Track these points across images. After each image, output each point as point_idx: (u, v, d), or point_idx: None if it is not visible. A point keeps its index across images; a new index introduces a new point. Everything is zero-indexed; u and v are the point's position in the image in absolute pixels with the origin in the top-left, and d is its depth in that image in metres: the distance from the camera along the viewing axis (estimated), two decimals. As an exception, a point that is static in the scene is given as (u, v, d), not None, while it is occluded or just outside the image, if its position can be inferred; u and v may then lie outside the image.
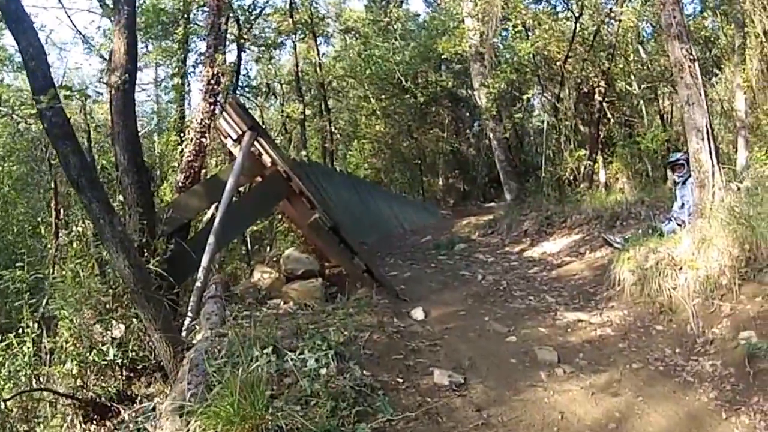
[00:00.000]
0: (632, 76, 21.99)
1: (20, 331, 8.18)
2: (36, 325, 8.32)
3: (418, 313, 9.47)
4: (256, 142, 10.63)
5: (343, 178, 22.73)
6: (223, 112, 11.72)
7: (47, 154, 15.98)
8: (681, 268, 8.45)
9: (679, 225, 10.52)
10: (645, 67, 22.02)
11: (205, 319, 7.93)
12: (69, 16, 31.18)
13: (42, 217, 16.06)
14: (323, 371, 5.78)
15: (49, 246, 13.42)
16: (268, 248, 14.94)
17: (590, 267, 11.98)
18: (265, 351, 5.85)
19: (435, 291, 11.18)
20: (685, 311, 7.96)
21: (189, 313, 8.74)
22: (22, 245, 14.31)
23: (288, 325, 7.60)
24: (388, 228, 21.34)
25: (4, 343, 8.11)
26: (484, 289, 10.98)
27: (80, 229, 11.54)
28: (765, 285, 7.45)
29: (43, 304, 8.67)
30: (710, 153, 9.13)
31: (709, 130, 9.25)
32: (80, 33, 24.93)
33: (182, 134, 19.17)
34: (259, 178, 12.05)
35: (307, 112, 28.84)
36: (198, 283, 9.02)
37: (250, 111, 25.52)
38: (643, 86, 22.00)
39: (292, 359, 5.92)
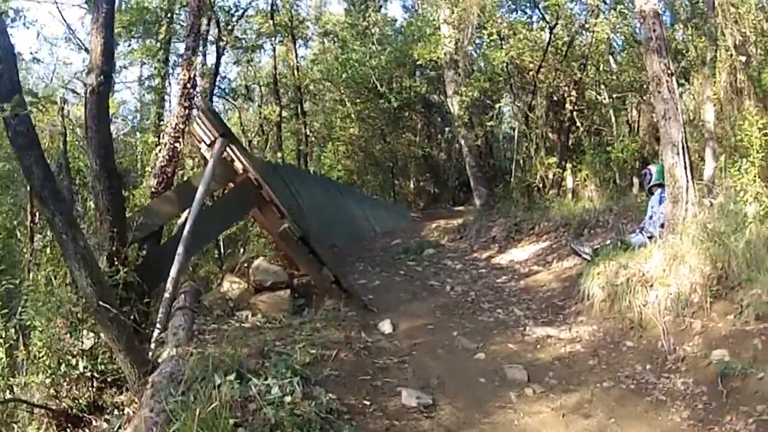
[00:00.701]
0: (602, 86, 21.73)
1: (-4, 338, 7.83)
2: (12, 332, 8.17)
3: (386, 326, 9.18)
4: (228, 149, 10.31)
5: (316, 179, 22.53)
6: (197, 117, 11.40)
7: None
8: (652, 285, 8.18)
9: (648, 238, 10.14)
10: (615, 78, 21.76)
11: (172, 334, 7.66)
12: (60, 11, 30.67)
13: (20, 218, 15.58)
14: (288, 398, 5.44)
15: (25, 250, 12.96)
16: (242, 250, 14.47)
17: (558, 278, 11.66)
18: (228, 378, 5.47)
19: (404, 302, 10.86)
20: (655, 328, 7.70)
21: (158, 325, 8.36)
22: (3, 247, 13.90)
23: (255, 342, 7.34)
24: (360, 230, 21.01)
25: None
26: (452, 301, 10.69)
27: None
28: (737, 303, 7.20)
29: (18, 312, 8.32)
30: (685, 168, 8.95)
31: (685, 145, 9.08)
32: (69, 28, 24.51)
33: (159, 134, 18.86)
34: (231, 185, 11.72)
35: (284, 114, 28.55)
36: (166, 294, 8.66)
37: (227, 114, 25.33)
38: (613, 96, 21.78)
39: (256, 385, 5.56)
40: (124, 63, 24.51)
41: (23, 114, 6.44)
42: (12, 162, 16.16)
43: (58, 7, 25.69)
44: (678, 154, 8.95)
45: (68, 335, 7.87)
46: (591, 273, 9.22)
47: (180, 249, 8.98)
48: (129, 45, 22.64)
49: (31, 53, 22.32)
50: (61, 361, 7.65)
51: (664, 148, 9.21)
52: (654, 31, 9.33)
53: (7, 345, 8.05)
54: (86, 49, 22.31)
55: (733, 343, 6.75)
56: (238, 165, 10.88)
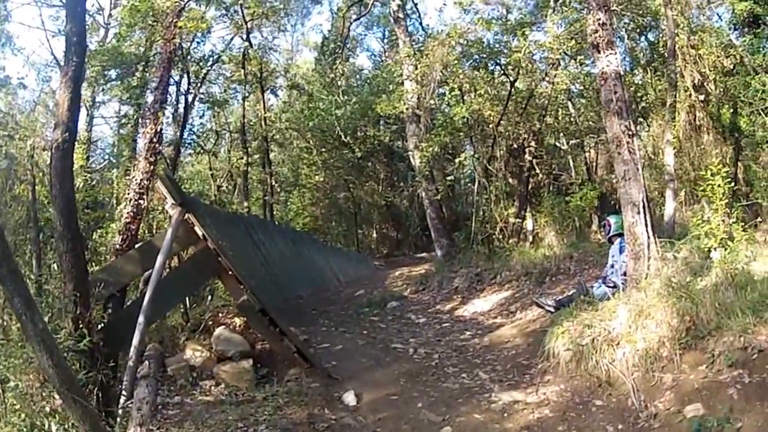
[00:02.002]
0: (561, 133, 21.87)
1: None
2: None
3: (350, 398, 8.76)
4: (189, 215, 9.89)
5: (280, 230, 22.39)
6: (158, 182, 11.03)
7: (4, 188, 15.03)
8: (618, 343, 7.83)
9: (611, 287, 10.05)
10: (573, 122, 22.01)
11: (136, 409, 7.38)
12: (48, 40, 30.34)
13: None
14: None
15: None
16: (209, 297, 13.96)
17: (522, 332, 11.28)
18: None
19: (367, 368, 10.40)
20: (624, 385, 7.34)
21: (123, 392, 7.96)
22: None
23: (218, 423, 7.23)
24: (324, 280, 20.67)
25: None
26: (416, 366, 10.24)
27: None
28: (708, 353, 6.89)
29: None
30: (645, 225, 8.81)
31: (645, 204, 8.93)
32: (56, 59, 24.10)
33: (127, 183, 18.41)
34: (192, 248, 11.30)
35: (251, 162, 28.24)
36: (130, 363, 8.25)
37: (198, 157, 24.86)
38: (571, 142, 21.81)
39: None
40: (103, 98, 24.14)
41: None
42: None
43: (46, 36, 25.36)
44: (639, 213, 8.83)
45: (40, 392, 7.38)
46: (555, 332, 8.85)
47: (141, 318, 8.59)
48: (106, 84, 22.19)
49: (18, 78, 21.94)
50: (31, 419, 7.19)
51: (624, 208, 9.05)
52: (615, 93, 9.23)
53: None
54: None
55: (707, 395, 6.43)
56: (198, 230, 10.46)
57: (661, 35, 19.32)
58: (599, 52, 9.39)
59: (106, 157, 27.62)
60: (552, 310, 10.74)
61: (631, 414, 6.92)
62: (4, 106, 21.60)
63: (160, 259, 9.13)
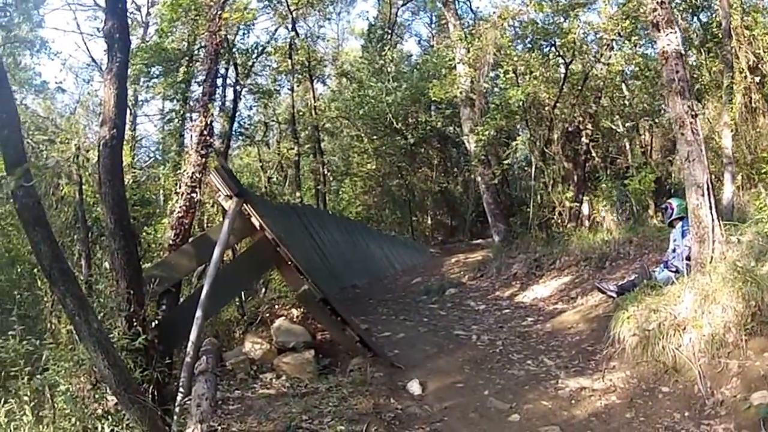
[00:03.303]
0: (617, 115, 21.46)
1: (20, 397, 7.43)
2: (34, 391, 7.56)
3: (414, 387, 8.80)
4: (244, 206, 9.96)
5: (334, 219, 22.30)
6: (212, 173, 11.09)
7: (49, 189, 15.25)
8: (684, 328, 7.78)
9: (674, 272, 9.81)
10: (628, 104, 21.71)
11: (195, 405, 7.33)
12: (85, 42, 30.60)
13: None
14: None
15: (45, 299, 12.51)
16: (263, 290, 14.11)
17: (585, 318, 11.23)
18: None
19: (430, 356, 10.40)
20: (691, 371, 7.32)
21: (181, 389, 7.94)
22: (25, 285, 13.52)
23: (281, 416, 7.18)
24: (380, 269, 20.73)
25: (5, 408, 7.31)
26: (480, 353, 10.23)
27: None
28: None
29: (39, 368, 7.83)
30: (710, 208, 8.67)
31: (709, 186, 8.78)
32: (94, 61, 24.34)
33: (177, 179, 18.60)
34: (249, 239, 11.39)
35: (302, 152, 28.40)
36: (187, 359, 8.26)
37: (246, 149, 24.97)
38: (627, 124, 21.54)
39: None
40: (146, 96, 24.42)
41: (29, 185, 6.08)
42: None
43: (83, 38, 25.67)
44: (703, 195, 8.70)
45: (91, 395, 7.50)
46: (621, 317, 8.87)
47: (198, 312, 8.63)
48: (149, 81, 22.43)
49: (56, 82, 22.29)
50: (83, 423, 7.22)
51: (688, 190, 8.91)
52: (677, 72, 9.10)
53: (33, 403, 7.43)
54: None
55: (774, 382, 6.35)
56: (255, 221, 10.54)
57: (714, 16, 18.97)
58: (659, 30, 9.27)
59: (151, 154, 28.01)
60: (614, 295, 10.72)
61: (698, 401, 6.94)
62: (43, 111, 21.93)
63: (217, 251, 9.15)
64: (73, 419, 7.17)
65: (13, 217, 15.15)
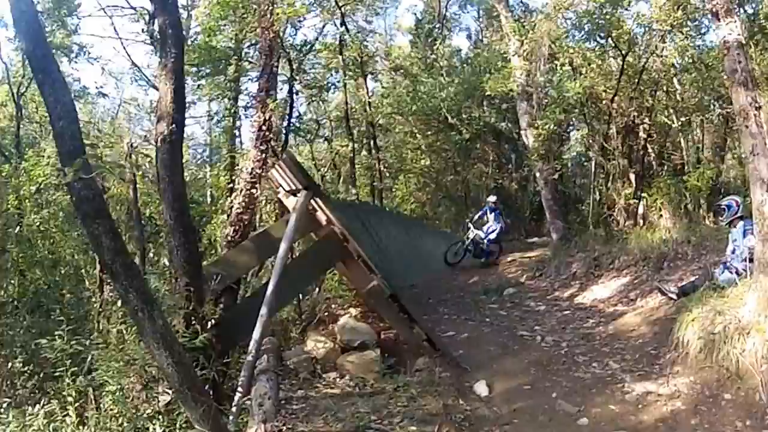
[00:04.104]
0: (671, 110, 21.34)
1: (63, 397, 7.57)
2: (79, 392, 7.67)
3: (481, 388, 8.99)
4: (315, 199, 10.10)
5: (390, 216, 22.33)
6: (276, 165, 11.24)
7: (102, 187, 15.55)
8: (748, 333, 7.78)
9: (735, 274, 9.85)
10: (681, 99, 21.33)
11: (257, 405, 7.37)
12: (124, 47, 30.94)
13: (87, 256, 15.47)
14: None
15: (94, 300, 12.75)
16: (317, 290, 14.34)
17: (647, 321, 11.27)
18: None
19: (495, 357, 10.58)
20: (753, 378, 7.36)
21: (239, 388, 8.02)
22: (68, 286, 13.82)
23: (348, 415, 7.26)
24: (436, 267, 20.63)
25: (44, 409, 7.38)
26: (545, 354, 10.41)
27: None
28: None
29: (85, 369, 7.94)
30: None
31: None
32: (135, 64, 24.74)
33: (232, 176, 18.91)
34: (312, 235, 11.60)
35: (356, 148, 28.41)
36: (249, 357, 8.35)
37: (297, 148, 25.18)
38: (681, 119, 21.41)
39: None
40: (192, 99, 24.75)
41: (88, 178, 6.05)
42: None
43: (122, 43, 26.00)
44: None
45: (142, 395, 7.68)
46: (685, 320, 8.90)
47: (263, 310, 8.68)
48: (196, 83, 22.74)
49: (96, 87, 22.66)
50: (133, 423, 7.34)
51: (753, 185, 8.67)
52: (739, 62, 8.93)
53: (77, 404, 7.55)
54: (153, 86, 22.60)
55: (837, 392, 6.30)
56: (320, 216, 10.67)
57: (760, 7, 18.87)
58: (719, 20, 9.14)
59: (199, 155, 28.41)
60: (674, 297, 10.83)
61: (759, 409, 7.01)
62: (85, 116, 22.36)
63: (283, 246, 9.21)
64: (121, 419, 7.27)
65: (56, 219, 15.57)
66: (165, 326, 6.62)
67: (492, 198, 21.69)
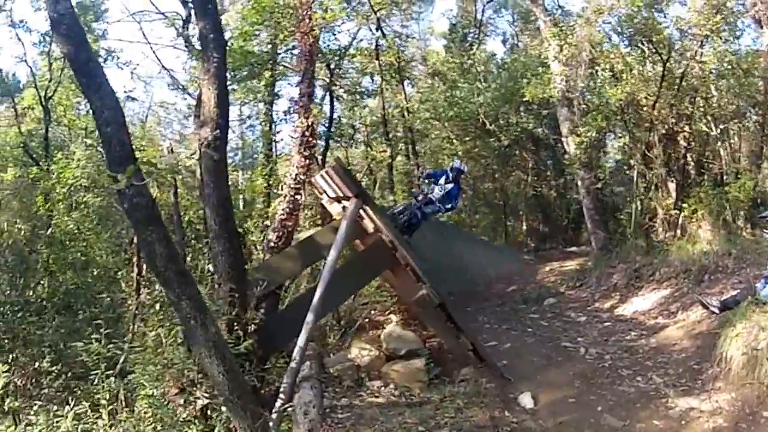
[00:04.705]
0: (709, 117, 21.33)
1: (93, 398, 7.87)
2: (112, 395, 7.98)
3: (526, 400, 9.17)
4: (360, 209, 10.28)
5: (429, 223, 22.34)
6: (323, 171, 11.44)
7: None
8: None
9: None
10: (718, 106, 21.12)
11: (302, 413, 7.57)
12: (154, 52, 31.28)
13: (119, 258, 15.80)
14: None
15: (129, 303, 13.01)
16: (353, 297, 14.54)
17: (689, 335, 11.39)
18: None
19: (539, 368, 10.74)
20: None
21: (281, 395, 8.22)
22: (99, 288, 14.08)
23: (395, 426, 7.48)
24: (474, 275, 20.69)
25: (74, 410, 7.69)
26: (590, 367, 10.57)
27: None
28: None
29: (117, 372, 8.27)
30: None
31: None
32: (165, 68, 25.17)
33: (270, 181, 19.23)
34: (357, 241, 11.82)
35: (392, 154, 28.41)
36: (293, 364, 8.57)
37: (332, 152, 25.35)
38: (720, 127, 21.39)
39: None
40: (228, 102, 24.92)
41: (141, 185, 6.24)
42: (110, 197, 16.17)
43: (151, 48, 26.33)
44: None
45: (180, 400, 7.86)
46: (728, 335, 9.07)
47: (309, 317, 8.87)
48: (231, 86, 23.02)
49: (125, 91, 23.00)
50: (169, 427, 7.57)
51: None
52: None
53: (110, 407, 7.84)
54: (183, 88, 22.99)
55: None
56: (367, 223, 10.88)
57: None
58: (762, 27, 9.22)
59: (230, 159, 28.70)
60: (716, 311, 10.90)
61: None
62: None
63: (333, 253, 9.50)
64: (155, 423, 7.50)
65: (88, 221, 15.90)
66: (217, 334, 6.90)
67: (458, 165, 16.61)
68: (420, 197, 15.90)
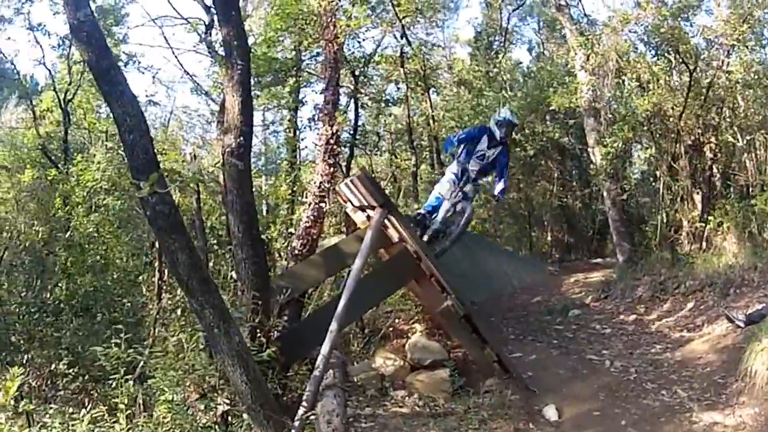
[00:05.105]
0: (735, 128, 21.30)
1: (113, 404, 7.94)
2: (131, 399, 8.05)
3: (551, 412, 9.23)
4: (385, 219, 10.33)
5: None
6: (348, 180, 11.53)
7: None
8: None
9: None
10: (744, 116, 21.03)
11: (325, 422, 7.68)
12: (176, 56, 31.50)
13: (140, 262, 16.00)
14: None
15: (150, 307, 13.15)
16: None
17: (714, 348, 11.43)
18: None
19: (564, 381, 10.79)
20: None
21: (304, 403, 8.14)
22: (121, 291, 14.22)
23: None
24: (498, 285, 20.73)
25: (90, 414, 7.80)
26: (614, 380, 10.62)
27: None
28: None
29: (137, 376, 8.30)
30: None
31: None
32: (187, 73, 25.31)
33: (294, 188, 19.37)
34: (382, 250, 11.91)
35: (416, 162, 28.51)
36: (316, 372, 8.51)
37: (356, 160, 25.36)
38: (746, 138, 21.31)
39: None
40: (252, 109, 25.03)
41: (164, 192, 6.29)
42: (130, 200, 16.36)
43: (173, 52, 26.50)
44: None
45: (200, 406, 7.93)
46: (754, 349, 9.13)
47: (333, 325, 8.85)
48: (255, 92, 23.12)
49: (146, 96, 23.16)
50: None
51: None
52: None
53: (128, 411, 7.91)
54: (206, 93, 23.18)
55: None
56: (392, 233, 10.98)
57: None
58: None
59: (253, 165, 28.83)
60: (742, 325, 11.03)
61: None
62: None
63: (358, 262, 9.52)
64: (174, 428, 7.56)
65: (111, 224, 16.07)
66: (241, 343, 7.03)
67: (508, 115, 12.38)
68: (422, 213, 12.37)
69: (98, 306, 13.31)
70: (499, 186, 11.79)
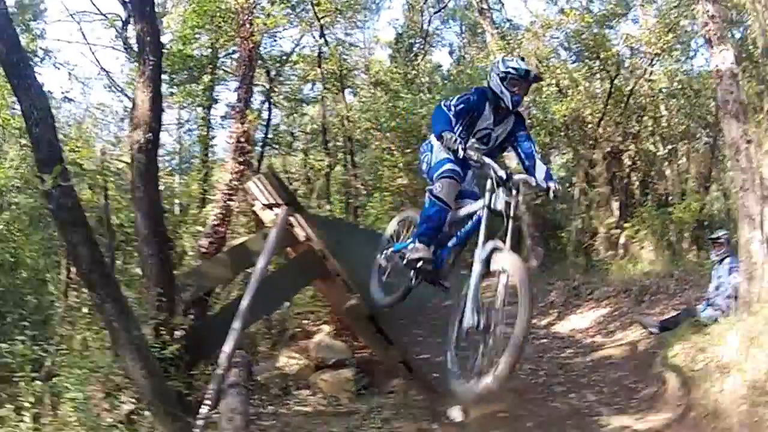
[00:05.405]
0: (657, 136, 21.53)
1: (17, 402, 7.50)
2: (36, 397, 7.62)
3: (456, 413, 8.94)
4: (290, 217, 10.03)
5: (366, 234, 22.26)
6: (255, 178, 11.31)
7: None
8: (729, 372, 7.81)
9: (718, 311, 10.08)
10: (667, 125, 21.52)
11: (227, 420, 7.34)
12: (93, 52, 30.85)
13: (50, 260, 15.54)
14: None
15: (57, 305, 12.75)
16: (287, 304, 14.38)
17: (626, 354, 11.47)
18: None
19: None
20: (729, 418, 7.37)
21: (207, 401, 7.88)
22: (29, 290, 13.81)
23: None
24: (416, 291, 20.21)
25: None
26: (522, 383, 10.46)
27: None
28: None
29: (44, 375, 8.00)
30: (762, 243, 8.51)
31: (762, 219, 8.60)
32: (103, 69, 24.74)
33: (205, 186, 19.01)
34: (290, 249, 11.68)
35: (331, 163, 28.23)
36: (219, 370, 8.27)
37: (269, 159, 25.05)
38: (667, 147, 21.56)
39: None
40: (162, 106, 24.65)
41: (66, 186, 6.23)
42: (42, 199, 15.94)
43: (90, 49, 26.04)
44: (755, 228, 8.57)
45: (105, 404, 7.67)
46: (666, 355, 9.09)
47: (236, 324, 8.60)
48: (170, 89, 22.80)
49: (62, 92, 22.65)
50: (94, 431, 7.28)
51: (741, 222, 8.82)
52: (731, 93, 9.02)
53: (35, 411, 7.55)
54: (121, 90, 22.70)
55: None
56: (298, 232, 10.73)
57: (748, 32, 18.31)
58: (712, 47, 9.20)
59: (167, 163, 28.41)
60: (656, 331, 11.00)
61: None
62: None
63: (261, 261, 9.18)
64: (80, 427, 7.23)
65: (21, 222, 15.59)
66: (140, 338, 6.86)
67: (516, 62, 6.72)
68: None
69: (7, 305, 12.85)
70: (541, 168, 6.73)
